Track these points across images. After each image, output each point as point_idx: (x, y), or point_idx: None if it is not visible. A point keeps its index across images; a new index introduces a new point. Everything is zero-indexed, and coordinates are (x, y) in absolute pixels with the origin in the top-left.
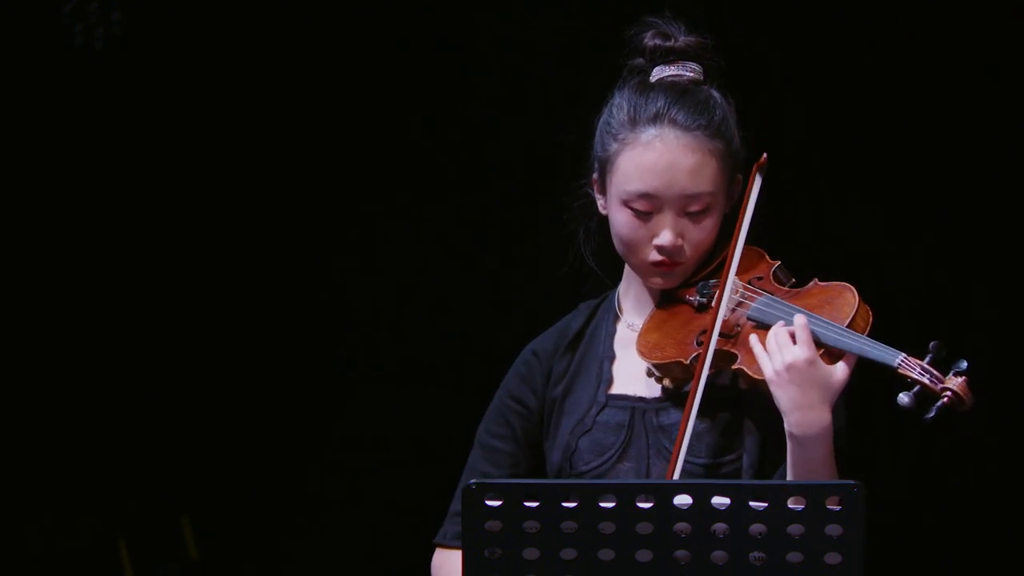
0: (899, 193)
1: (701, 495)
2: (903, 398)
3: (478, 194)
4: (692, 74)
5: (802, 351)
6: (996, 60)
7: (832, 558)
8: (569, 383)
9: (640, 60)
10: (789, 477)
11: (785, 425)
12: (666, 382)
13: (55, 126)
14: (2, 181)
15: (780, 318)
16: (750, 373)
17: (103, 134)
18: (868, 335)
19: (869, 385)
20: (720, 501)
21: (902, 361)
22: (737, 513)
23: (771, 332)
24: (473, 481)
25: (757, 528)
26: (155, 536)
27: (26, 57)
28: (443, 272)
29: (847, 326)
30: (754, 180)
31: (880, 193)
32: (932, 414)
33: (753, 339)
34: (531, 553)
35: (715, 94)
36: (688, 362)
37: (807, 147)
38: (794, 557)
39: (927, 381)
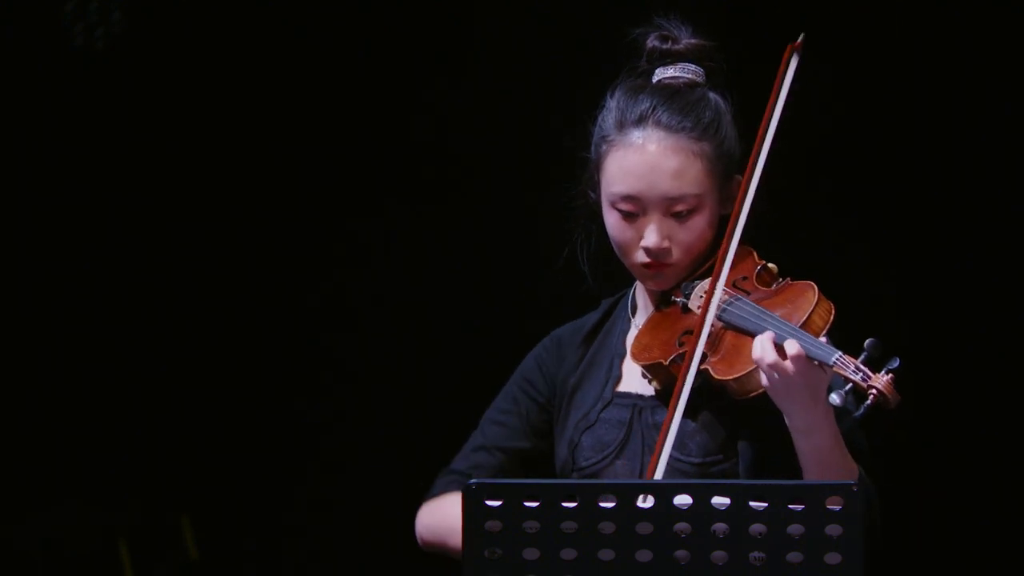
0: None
1: (701, 495)
2: (833, 397)
3: (480, 194)
4: (690, 76)
5: (794, 366)
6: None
7: (832, 558)
8: (580, 378)
9: (642, 61)
10: (803, 468)
11: (788, 423)
12: (655, 384)
13: (55, 126)
14: (2, 181)
15: (754, 324)
16: (715, 375)
17: (103, 134)
18: (829, 331)
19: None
20: (720, 501)
21: (837, 360)
22: (737, 513)
23: (760, 346)
24: (473, 481)
25: (757, 528)
26: (155, 536)
27: (26, 57)
28: (445, 275)
29: (804, 322)
30: (786, 64)
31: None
32: (860, 412)
33: (747, 348)
34: (531, 553)
35: (711, 95)
36: (667, 363)
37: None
38: (794, 557)
39: (858, 380)
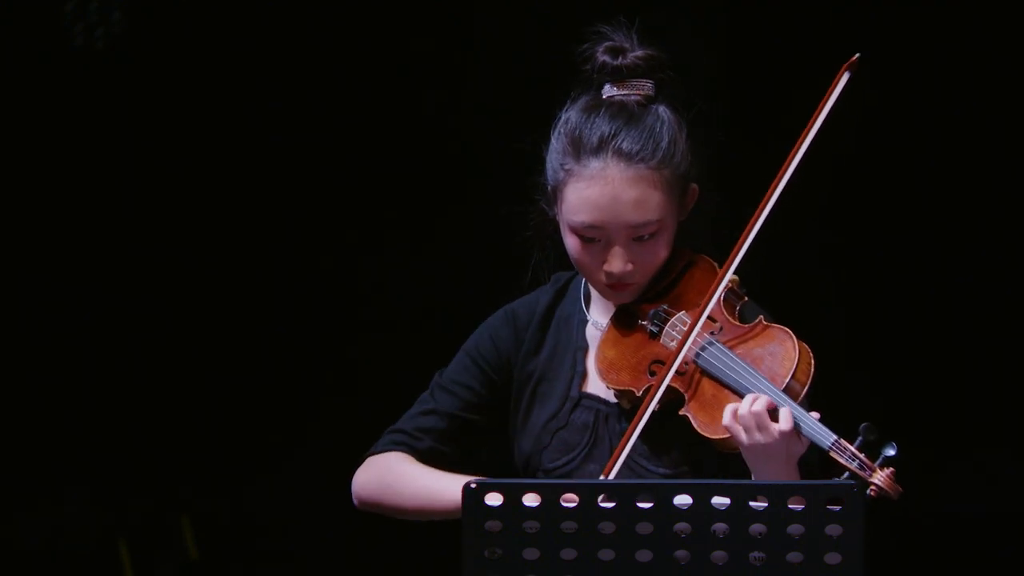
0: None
1: (701, 495)
2: None
3: (478, 201)
4: (641, 94)
5: (781, 435)
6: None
7: (832, 558)
8: (543, 370)
9: (592, 73)
10: None
11: (752, 475)
12: (623, 402)
13: (55, 126)
14: (2, 181)
15: (737, 383)
16: (697, 428)
17: (103, 134)
18: (812, 379)
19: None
20: (720, 501)
21: (833, 445)
22: (737, 513)
23: (751, 409)
24: (473, 481)
25: (757, 528)
26: (155, 536)
27: (26, 57)
28: (446, 279)
29: (788, 382)
30: (839, 81)
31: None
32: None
33: (727, 409)
34: (531, 553)
35: (663, 114)
36: (640, 394)
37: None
38: (794, 557)
39: (856, 468)
